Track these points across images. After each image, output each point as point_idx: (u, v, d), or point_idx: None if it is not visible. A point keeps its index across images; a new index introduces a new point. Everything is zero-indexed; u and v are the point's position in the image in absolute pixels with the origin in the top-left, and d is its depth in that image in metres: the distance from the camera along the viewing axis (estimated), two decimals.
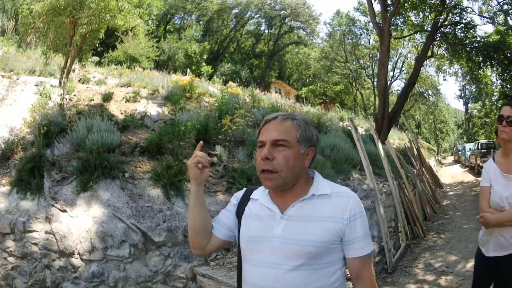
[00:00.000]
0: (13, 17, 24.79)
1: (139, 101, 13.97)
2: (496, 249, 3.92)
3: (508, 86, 25.04)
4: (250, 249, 2.39)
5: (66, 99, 12.26)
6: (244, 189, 2.74)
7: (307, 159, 2.36)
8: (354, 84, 56.02)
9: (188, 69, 34.92)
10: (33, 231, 7.29)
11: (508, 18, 22.02)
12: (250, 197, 2.57)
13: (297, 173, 2.31)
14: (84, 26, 13.09)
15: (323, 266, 2.23)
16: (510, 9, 21.55)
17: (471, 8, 23.07)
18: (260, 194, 2.50)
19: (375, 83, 46.30)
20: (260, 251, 2.31)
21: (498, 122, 3.95)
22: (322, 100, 57.62)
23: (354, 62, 52.56)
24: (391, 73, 47.65)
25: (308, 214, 2.27)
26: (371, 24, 27.54)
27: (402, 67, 49.63)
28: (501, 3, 21.97)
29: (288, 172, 2.26)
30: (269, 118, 2.38)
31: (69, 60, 13.74)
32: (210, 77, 37.52)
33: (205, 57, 46.19)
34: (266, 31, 61.19)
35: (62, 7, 12.36)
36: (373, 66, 50.39)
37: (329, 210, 2.26)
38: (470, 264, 8.04)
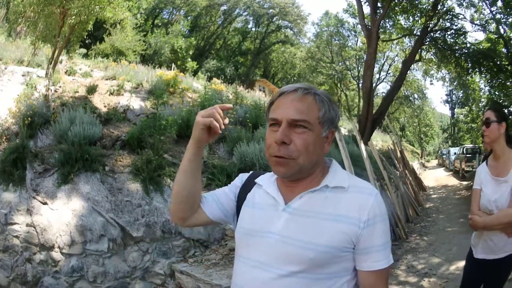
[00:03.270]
0: (5, 5, 24.68)
1: (122, 95, 13.98)
2: (484, 252, 3.97)
3: (496, 93, 25.32)
4: (243, 244, 2.00)
5: (51, 90, 12.21)
6: (251, 172, 2.31)
7: (327, 143, 1.95)
8: (339, 85, 55.87)
9: (173, 64, 34.86)
10: (15, 223, 7.32)
11: (500, 26, 22.12)
12: (256, 181, 2.14)
13: (316, 161, 1.91)
14: (73, 17, 13.00)
15: (325, 277, 1.81)
16: (503, 18, 21.67)
17: (463, 15, 23.05)
18: (266, 180, 2.09)
19: (360, 85, 46.39)
20: (252, 247, 1.93)
21: (482, 126, 4.03)
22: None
23: (340, 63, 52.54)
24: (377, 75, 47.70)
25: (317, 210, 1.84)
26: (359, 26, 27.43)
27: (388, 70, 49.62)
28: (494, 12, 22.11)
29: (307, 159, 1.85)
30: (287, 90, 1.94)
31: (56, 51, 13.68)
32: (195, 73, 37.49)
33: (191, 53, 46.07)
34: (254, 29, 60.83)
35: None
36: (359, 68, 50.30)
37: (344, 208, 1.83)
38: (454, 267, 8.13)
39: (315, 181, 1.93)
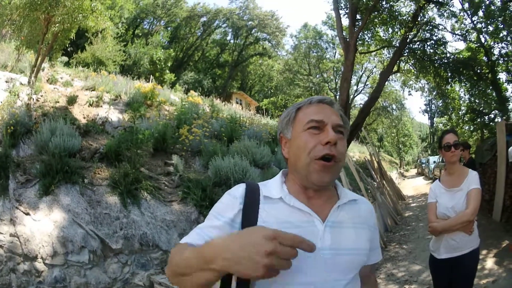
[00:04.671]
0: None
1: (101, 106, 14.16)
2: (448, 251, 4.59)
3: (477, 100, 25.74)
4: (289, 270, 1.53)
5: (33, 99, 12.37)
6: (242, 185, 1.97)
7: None
8: None
9: (151, 75, 34.97)
10: None
11: (481, 36, 22.20)
12: (264, 195, 1.91)
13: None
14: (57, 24, 13.21)
15: (357, 275, 1.96)
16: (484, 27, 21.86)
17: (443, 25, 23.10)
18: (279, 192, 1.91)
19: (337, 97, 46.55)
20: (304, 270, 1.74)
21: (445, 150, 4.66)
22: (282, 112, 57.10)
23: (317, 76, 52.39)
24: (355, 87, 47.66)
25: (349, 220, 1.94)
26: (338, 38, 27.40)
27: (366, 81, 49.50)
28: (475, 22, 22.31)
29: (343, 165, 1.91)
30: (326, 100, 1.99)
31: (39, 58, 13.86)
32: (172, 85, 37.53)
33: (169, 65, 46.07)
34: (232, 41, 60.96)
35: (39, 2, 12.54)
36: (336, 80, 50.12)
37: (363, 216, 2.02)
38: None
39: (333, 193, 2.02)
